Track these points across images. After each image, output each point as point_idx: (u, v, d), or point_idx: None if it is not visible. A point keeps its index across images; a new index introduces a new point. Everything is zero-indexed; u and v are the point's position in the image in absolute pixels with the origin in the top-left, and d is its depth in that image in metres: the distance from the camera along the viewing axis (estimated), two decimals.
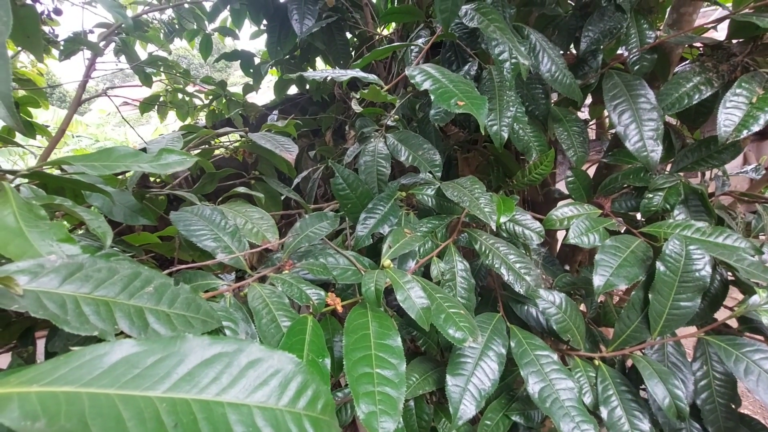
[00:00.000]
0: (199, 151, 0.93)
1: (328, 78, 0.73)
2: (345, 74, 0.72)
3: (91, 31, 1.56)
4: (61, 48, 1.43)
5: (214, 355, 0.26)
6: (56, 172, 0.68)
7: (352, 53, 1.70)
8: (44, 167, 0.41)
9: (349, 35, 1.68)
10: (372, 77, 0.73)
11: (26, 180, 0.58)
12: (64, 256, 0.35)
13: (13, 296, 0.30)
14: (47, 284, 0.33)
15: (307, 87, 1.96)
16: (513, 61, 0.80)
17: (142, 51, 2.20)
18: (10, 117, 0.33)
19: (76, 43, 1.38)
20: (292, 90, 2.07)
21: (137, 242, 1.02)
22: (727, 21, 0.96)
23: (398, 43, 0.93)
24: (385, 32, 1.75)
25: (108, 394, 0.22)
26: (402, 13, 1.22)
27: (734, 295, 0.84)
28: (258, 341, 0.54)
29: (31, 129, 1.33)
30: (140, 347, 0.25)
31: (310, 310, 0.64)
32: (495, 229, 0.80)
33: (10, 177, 0.41)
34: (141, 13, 1.72)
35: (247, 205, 0.78)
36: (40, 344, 0.77)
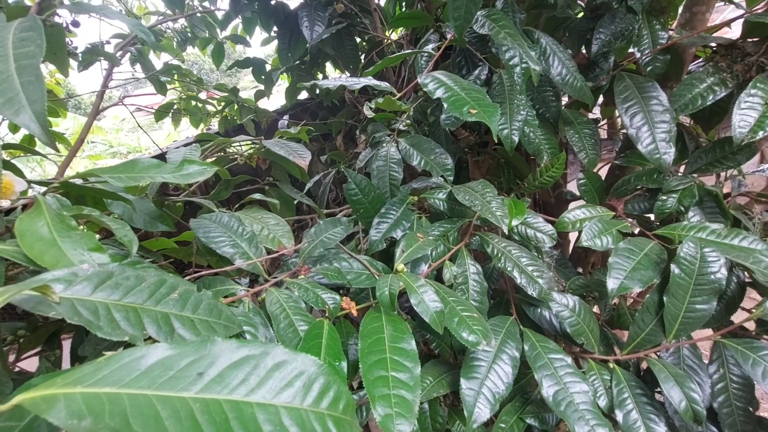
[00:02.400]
0: (215, 158, 0.95)
1: (344, 89, 0.74)
2: (358, 82, 0.73)
3: (108, 42, 1.61)
4: (80, 59, 1.47)
5: (241, 357, 0.27)
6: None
7: (361, 58, 1.72)
8: (75, 179, 0.43)
9: (357, 40, 1.69)
10: (385, 85, 0.74)
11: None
12: (95, 264, 0.36)
13: (50, 304, 0.32)
14: (81, 292, 0.34)
15: (317, 92, 1.98)
16: (523, 65, 0.80)
17: (156, 59, 2.25)
18: (44, 135, 0.35)
19: (94, 54, 1.42)
20: (303, 95, 2.09)
21: (155, 247, 1.04)
22: (741, 19, 0.95)
23: (409, 50, 0.94)
24: (394, 36, 1.76)
25: (146, 394, 0.23)
26: (411, 18, 1.24)
27: (752, 295, 0.83)
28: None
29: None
30: (174, 350, 0.26)
31: (326, 314, 0.65)
32: (507, 233, 0.80)
33: (43, 188, 0.43)
34: (155, 23, 1.76)
35: (263, 212, 0.79)
36: (65, 345, 0.80)
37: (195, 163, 0.48)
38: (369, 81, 0.74)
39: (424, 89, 0.69)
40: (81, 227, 0.44)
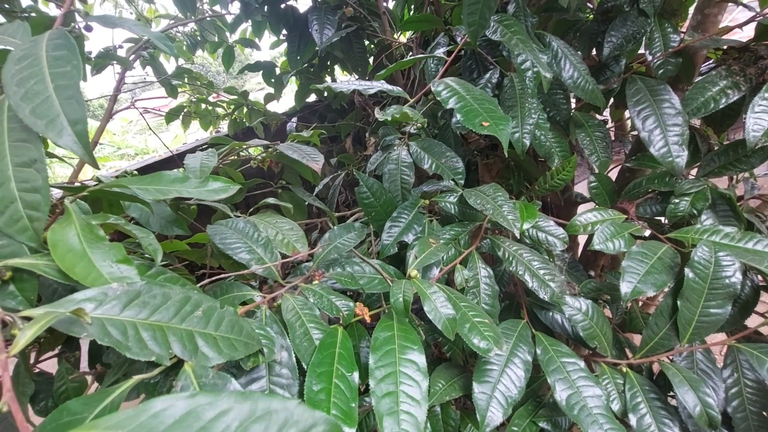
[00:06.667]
0: (229, 161, 0.96)
1: (353, 91, 0.75)
2: (371, 87, 0.74)
3: (120, 46, 1.63)
4: (92, 63, 1.49)
5: (264, 412, 0.27)
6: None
7: (370, 60, 1.73)
8: (104, 188, 0.44)
9: (366, 42, 1.70)
10: (397, 90, 0.74)
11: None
12: (124, 283, 0.37)
13: (83, 324, 0.33)
14: (110, 311, 0.35)
15: (326, 94, 1.99)
16: (535, 69, 0.80)
17: (166, 62, 2.27)
18: (88, 156, 0.36)
19: (106, 58, 1.44)
20: (311, 97, 2.10)
21: (168, 249, 1.05)
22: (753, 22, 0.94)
23: (421, 55, 0.95)
24: (402, 39, 1.76)
25: None
26: (421, 22, 1.24)
27: (765, 299, 0.82)
28: (294, 354, 0.56)
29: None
30: (204, 399, 0.26)
31: (340, 321, 0.66)
32: (518, 236, 0.80)
33: (59, 192, 0.44)
34: (167, 27, 1.78)
35: (277, 216, 0.80)
36: (83, 347, 0.82)
37: (219, 179, 0.49)
38: (382, 85, 0.74)
39: (437, 97, 0.70)
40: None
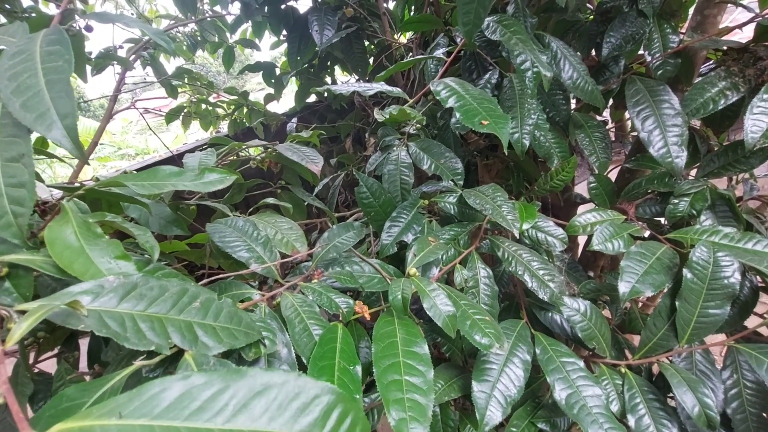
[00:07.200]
0: (228, 162, 0.96)
1: (353, 91, 0.75)
2: (371, 88, 0.74)
3: (121, 47, 1.63)
4: (93, 64, 1.49)
5: (264, 387, 0.26)
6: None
7: (370, 61, 1.73)
8: (103, 186, 0.44)
9: (366, 43, 1.70)
10: (397, 90, 0.74)
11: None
12: (121, 276, 0.37)
13: (79, 317, 0.33)
14: (107, 303, 0.35)
15: (326, 95, 1.99)
16: (535, 70, 0.80)
17: (166, 62, 2.27)
18: (76, 149, 0.36)
19: (107, 58, 1.44)
20: (311, 98, 2.10)
21: (168, 250, 1.05)
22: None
23: (421, 56, 0.95)
24: (402, 40, 1.77)
25: (177, 426, 0.24)
26: (421, 22, 1.24)
27: (764, 300, 0.82)
28: (293, 350, 0.56)
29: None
30: (199, 380, 0.26)
31: (340, 318, 0.66)
32: (518, 237, 0.80)
33: (58, 192, 0.44)
34: (167, 27, 1.79)
35: (277, 216, 0.80)
36: (82, 346, 0.81)
37: (215, 171, 0.49)
38: (381, 87, 0.74)
39: (437, 96, 0.70)
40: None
